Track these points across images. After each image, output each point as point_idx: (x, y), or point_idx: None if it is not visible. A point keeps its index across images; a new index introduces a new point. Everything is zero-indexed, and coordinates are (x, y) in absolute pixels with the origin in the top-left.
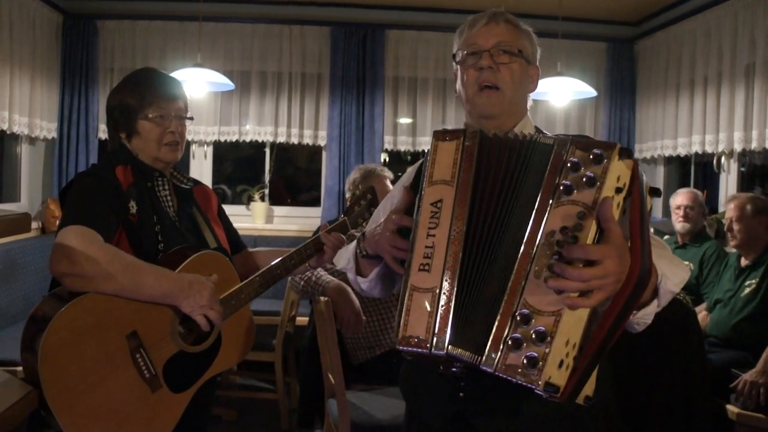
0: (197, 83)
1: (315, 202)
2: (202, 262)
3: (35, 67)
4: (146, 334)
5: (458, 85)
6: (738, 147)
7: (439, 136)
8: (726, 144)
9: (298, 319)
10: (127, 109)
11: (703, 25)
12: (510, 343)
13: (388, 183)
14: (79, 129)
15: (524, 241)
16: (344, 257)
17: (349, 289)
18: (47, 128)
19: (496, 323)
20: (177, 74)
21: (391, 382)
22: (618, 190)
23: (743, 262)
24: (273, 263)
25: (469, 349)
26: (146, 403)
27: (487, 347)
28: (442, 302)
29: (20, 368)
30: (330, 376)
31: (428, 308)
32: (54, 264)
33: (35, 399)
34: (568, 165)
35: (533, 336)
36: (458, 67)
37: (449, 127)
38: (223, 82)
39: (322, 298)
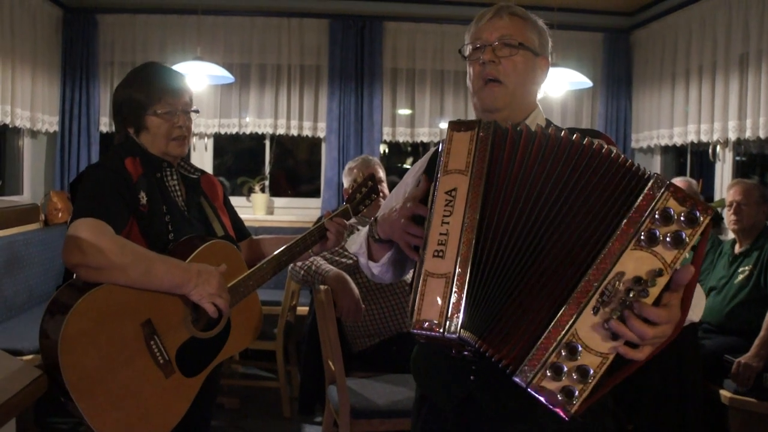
0: (197, 76)
1: (315, 193)
2: (212, 251)
3: (36, 61)
4: (159, 321)
5: (467, 80)
6: (732, 136)
7: (454, 126)
8: (720, 133)
9: (298, 308)
10: (136, 105)
11: (697, 15)
12: (550, 371)
13: (380, 171)
14: (80, 122)
15: (589, 269)
16: (357, 242)
17: (349, 278)
18: (49, 122)
19: (539, 343)
20: (177, 67)
21: (390, 368)
22: (693, 248)
23: (737, 248)
24: (279, 250)
25: (477, 333)
26: (161, 387)
27: (525, 362)
28: (455, 288)
29: (27, 357)
30: (330, 363)
31: (441, 293)
32: (67, 255)
33: (44, 384)
34: (658, 212)
35: (576, 371)
36: (467, 62)
37: (448, 117)
38: (223, 74)
39: (322, 287)
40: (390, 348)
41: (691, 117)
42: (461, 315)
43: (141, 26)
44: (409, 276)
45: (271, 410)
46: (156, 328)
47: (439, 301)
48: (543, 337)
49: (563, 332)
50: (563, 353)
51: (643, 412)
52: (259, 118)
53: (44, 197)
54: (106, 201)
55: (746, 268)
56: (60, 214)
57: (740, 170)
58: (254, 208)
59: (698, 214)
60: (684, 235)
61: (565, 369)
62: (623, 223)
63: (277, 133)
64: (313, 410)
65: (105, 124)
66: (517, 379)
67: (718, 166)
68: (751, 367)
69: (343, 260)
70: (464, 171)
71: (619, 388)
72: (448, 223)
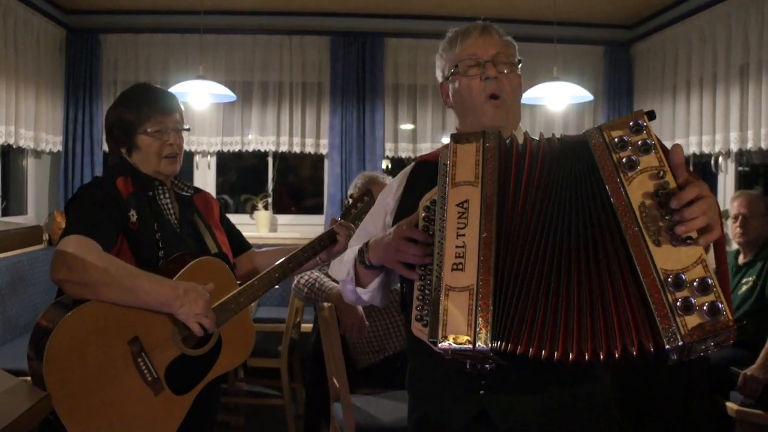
0: (200, 95)
1: (318, 209)
2: (200, 267)
3: (40, 81)
4: (147, 339)
5: (456, 96)
6: (734, 147)
7: (457, 138)
8: (722, 144)
9: (302, 325)
10: (126, 125)
11: (697, 27)
12: (683, 312)
13: None
14: (84, 142)
15: (622, 224)
16: (343, 270)
17: None
18: (52, 142)
19: (652, 306)
20: (179, 86)
21: (395, 385)
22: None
23: (741, 259)
24: (284, 258)
25: (513, 341)
26: (149, 405)
27: (660, 330)
28: (480, 299)
29: (30, 378)
30: (335, 380)
31: (466, 306)
32: (53, 271)
33: (49, 405)
34: (615, 142)
35: (696, 290)
36: (454, 78)
37: (450, 132)
38: (225, 93)
39: (325, 305)
40: (394, 364)
41: (693, 128)
42: (490, 326)
43: (144, 46)
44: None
45: (276, 428)
46: (144, 345)
47: (466, 315)
48: (649, 298)
49: (657, 280)
50: (674, 291)
51: (650, 425)
52: (261, 136)
53: (48, 217)
54: (94, 219)
55: (750, 278)
56: None
57: (743, 181)
58: (257, 226)
59: (639, 122)
60: (642, 141)
61: (689, 298)
62: (602, 173)
63: (280, 151)
64: (318, 428)
65: None
66: (671, 347)
67: (720, 177)
68: (758, 379)
69: None
70: (474, 182)
71: (626, 401)
72: (463, 235)
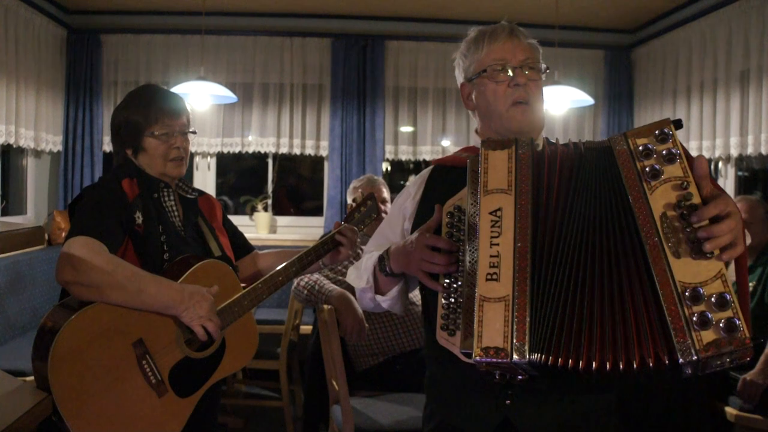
0: (200, 96)
1: (318, 211)
2: (205, 270)
3: (40, 81)
4: (152, 341)
5: (481, 99)
6: (734, 152)
7: (489, 145)
8: (722, 149)
9: (302, 327)
10: (134, 126)
11: (698, 32)
12: (699, 327)
13: (384, 191)
14: (84, 142)
15: (642, 234)
16: (362, 277)
17: (353, 298)
18: (53, 141)
19: (668, 318)
20: (180, 87)
21: (394, 387)
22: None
23: None
24: (286, 263)
25: (547, 353)
26: (153, 407)
27: (675, 343)
28: (517, 310)
29: (30, 378)
30: (334, 383)
31: (503, 317)
32: (59, 272)
33: (49, 406)
34: (640, 150)
35: (714, 305)
36: (480, 81)
37: (450, 135)
38: (226, 94)
39: (325, 307)
40: (394, 367)
41: (693, 133)
42: (527, 337)
43: (144, 46)
44: (411, 294)
45: (274, 430)
46: (148, 347)
47: (502, 326)
48: (665, 311)
49: (674, 292)
50: (692, 305)
51: (649, 430)
52: (261, 137)
53: (48, 217)
54: (100, 220)
55: (750, 284)
56: (63, 234)
57: (743, 186)
58: (257, 227)
59: (664, 130)
60: (666, 150)
61: (706, 312)
62: (625, 181)
63: (280, 152)
64: (317, 430)
65: (108, 143)
66: (684, 361)
67: (720, 182)
68: (757, 383)
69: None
70: (507, 190)
71: (624, 406)
72: (497, 244)
